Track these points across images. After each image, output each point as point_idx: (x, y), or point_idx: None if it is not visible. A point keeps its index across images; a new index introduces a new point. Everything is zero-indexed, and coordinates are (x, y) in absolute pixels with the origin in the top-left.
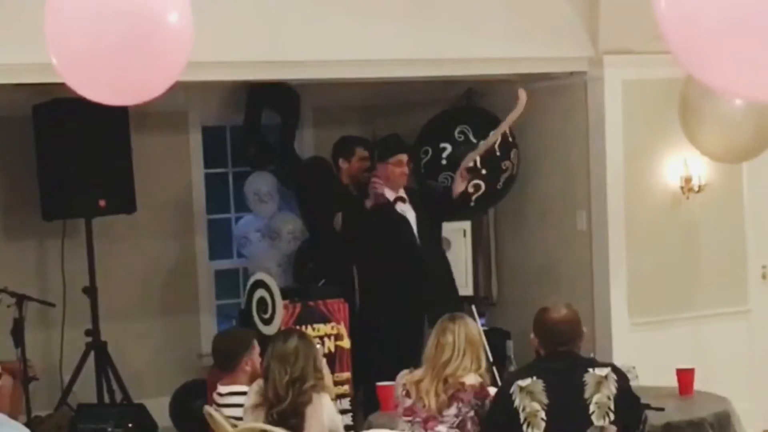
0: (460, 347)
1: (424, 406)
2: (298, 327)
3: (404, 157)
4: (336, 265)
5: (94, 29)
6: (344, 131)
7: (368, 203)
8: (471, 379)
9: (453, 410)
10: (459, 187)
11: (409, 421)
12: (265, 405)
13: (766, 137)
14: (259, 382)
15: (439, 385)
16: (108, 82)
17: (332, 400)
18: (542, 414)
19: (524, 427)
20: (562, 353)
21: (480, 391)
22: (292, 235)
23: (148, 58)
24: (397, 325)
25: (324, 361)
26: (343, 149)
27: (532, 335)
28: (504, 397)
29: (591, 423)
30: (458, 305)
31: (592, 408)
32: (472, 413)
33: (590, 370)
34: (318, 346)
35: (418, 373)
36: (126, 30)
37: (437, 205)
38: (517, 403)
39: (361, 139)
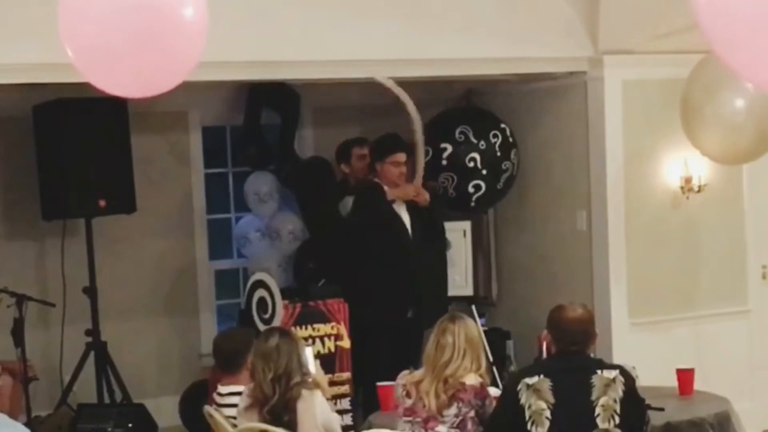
0: (460, 348)
1: (424, 406)
2: (298, 327)
3: (401, 157)
4: (335, 265)
5: (110, 22)
6: (344, 131)
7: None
8: (471, 379)
9: (453, 410)
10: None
11: (409, 422)
12: (256, 405)
13: (766, 139)
14: (250, 385)
15: (439, 386)
16: (123, 75)
17: (327, 399)
18: (547, 413)
19: (529, 424)
20: (572, 353)
21: (480, 391)
22: (292, 235)
23: (163, 50)
24: (391, 325)
25: (316, 361)
26: (341, 154)
27: (544, 332)
28: (510, 394)
29: (596, 425)
30: (445, 306)
31: (597, 410)
32: (472, 413)
33: (598, 371)
34: (309, 347)
35: (418, 373)
36: (141, 22)
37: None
38: (523, 400)
39: (357, 139)
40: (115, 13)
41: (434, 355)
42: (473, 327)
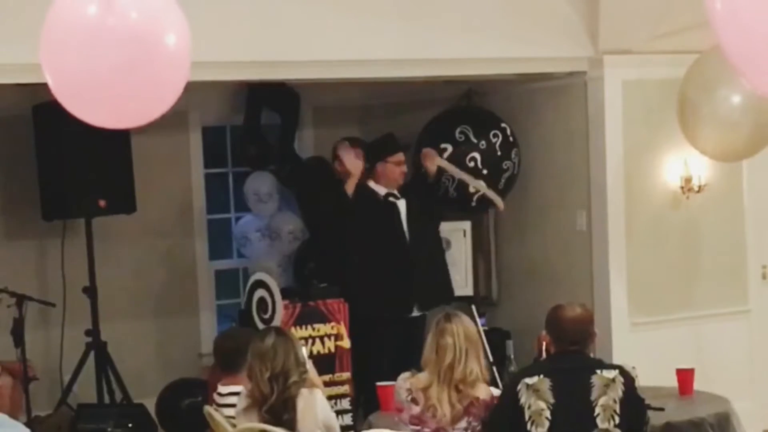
0: (461, 348)
1: (433, 416)
2: (298, 327)
3: (402, 156)
4: (336, 265)
5: (91, 53)
6: (344, 131)
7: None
8: (483, 393)
9: (463, 423)
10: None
11: (417, 431)
12: (255, 406)
13: (763, 136)
14: (247, 386)
15: (452, 394)
16: (105, 107)
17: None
18: (547, 413)
19: (528, 425)
20: (571, 352)
21: (490, 404)
22: (292, 235)
23: (145, 82)
24: (395, 321)
25: (309, 361)
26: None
27: (543, 332)
28: (510, 394)
29: (595, 425)
30: (449, 297)
31: (597, 410)
32: (479, 427)
33: (598, 371)
34: (302, 347)
35: (422, 377)
36: (123, 55)
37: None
38: (523, 400)
39: (352, 139)
40: (96, 44)
41: (435, 359)
42: (470, 324)
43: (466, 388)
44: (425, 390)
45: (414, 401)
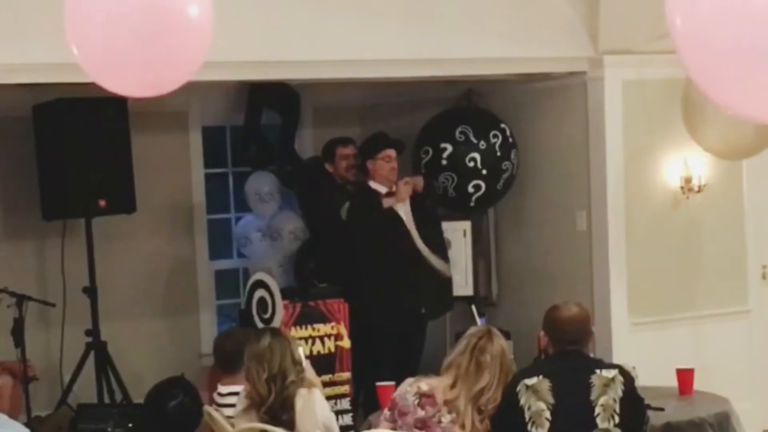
0: (496, 375)
1: (439, 422)
2: (298, 327)
3: (392, 152)
4: (336, 265)
5: (115, 21)
6: (344, 131)
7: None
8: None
9: None
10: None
11: None
12: (254, 407)
13: (767, 135)
14: (246, 388)
15: (475, 415)
16: (128, 75)
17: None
18: (547, 414)
19: (529, 425)
20: (570, 352)
21: None
22: (293, 235)
23: (168, 50)
24: (395, 325)
25: (306, 361)
26: (325, 153)
27: (541, 333)
28: (510, 395)
29: (595, 425)
30: (449, 303)
31: (597, 410)
32: None
33: (597, 371)
34: (299, 347)
35: (446, 382)
36: (146, 23)
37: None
38: (522, 401)
39: (341, 138)
40: (120, 14)
41: (473, 375)
42: (507, 347)
43: (486, 411)
44: (449, 402)
45: (421, 406)
